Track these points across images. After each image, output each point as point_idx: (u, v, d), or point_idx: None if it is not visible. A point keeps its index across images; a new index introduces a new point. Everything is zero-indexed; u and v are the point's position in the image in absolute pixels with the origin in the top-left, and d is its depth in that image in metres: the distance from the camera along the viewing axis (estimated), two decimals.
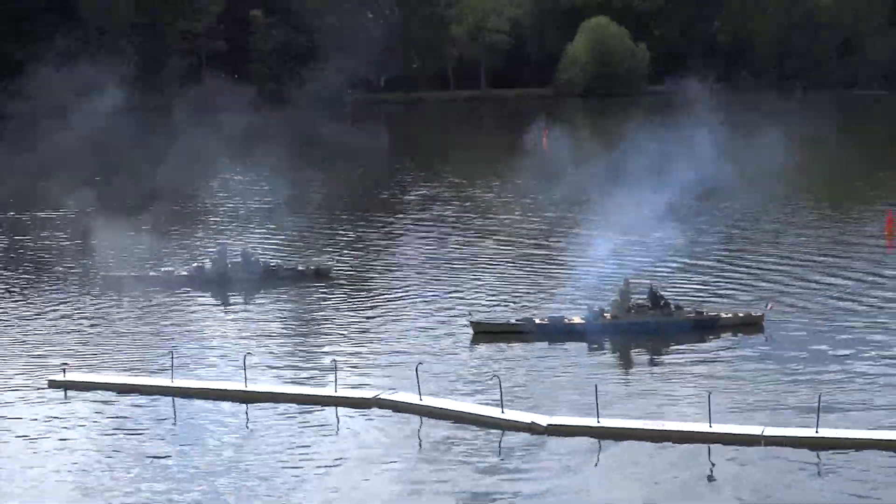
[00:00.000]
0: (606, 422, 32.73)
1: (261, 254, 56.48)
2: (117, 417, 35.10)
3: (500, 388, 34.32)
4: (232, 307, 49.67)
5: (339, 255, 59.15)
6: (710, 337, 42.32)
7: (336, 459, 31.36)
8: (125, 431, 33.84)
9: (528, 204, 75.65)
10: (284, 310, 48.75)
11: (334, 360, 37.90)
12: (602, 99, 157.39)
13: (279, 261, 56.06)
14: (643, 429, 32.43)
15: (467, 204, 77.56)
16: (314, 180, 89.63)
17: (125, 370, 39.80)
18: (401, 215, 73.91)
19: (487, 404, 34.64)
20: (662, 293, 44.51)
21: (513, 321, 43.91)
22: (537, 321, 43.43)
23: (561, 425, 32.92)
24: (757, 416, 33.60)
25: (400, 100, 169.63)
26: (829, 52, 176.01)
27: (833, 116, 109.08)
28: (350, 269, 56.12)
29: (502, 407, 33.80)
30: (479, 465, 30.74)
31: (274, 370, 39.55)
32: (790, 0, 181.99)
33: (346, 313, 47.56)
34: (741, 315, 43.72)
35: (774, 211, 70.20)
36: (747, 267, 54.33)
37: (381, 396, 35.60)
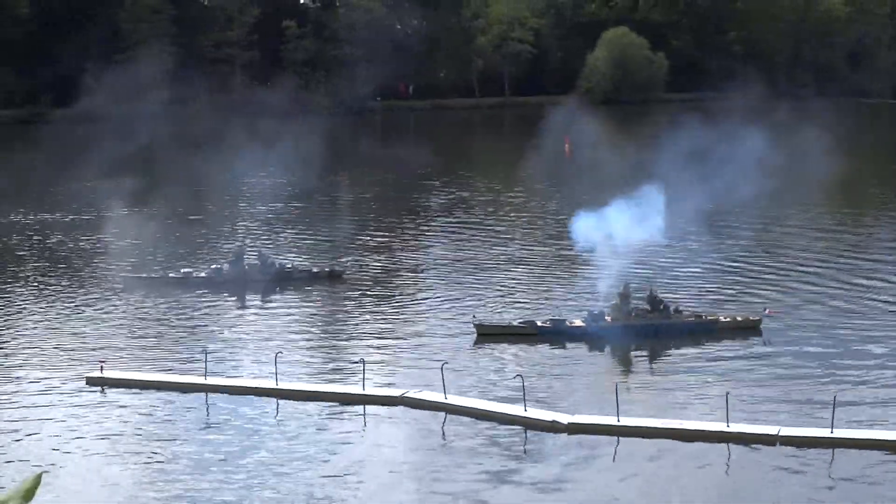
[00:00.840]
0: (627, 420, 33.62)
1: (277, 256, 57.68)
2: (153, 413, 36.19)
3: (524, 387, 35.27)
4: (258, 307, 50.71)
5: (353, 258, 60.13)
6: (717, 339, 42.92)
7: (364, 455, 32.37)
8: (160, 427, 34.95)
9: (541, 208, 76.28)
10: (309, 310, 49.83)
11: (362, 359, 38.91)
12: (622, 106, 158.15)
13: (294, 262, 57.19)
14: (662, 428, 33.27)
15: (480, 208, 78.08)
16: (336, 184, 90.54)
17: (160, 368, 40.88)
18: (417, 219, 74.83)
19: (510, 402, 35.66)
20: (662, 297, 45.18)
21: (515, 323, 44.77)
22: (539, 323, 44.20)
23: (582, 424, 33.82)
24: (773, 415, 34.43)
25: (427, 107, 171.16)
26: (840, 61, 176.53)
27: (844, 124, 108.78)
28: (363, 271, 57.10)
29: (525, 405, 34.73)
30: (502, 461, 31.67)
31: (303, 368, 40.61)
32: (803, 9, 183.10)
33: (366, 314, 48.62)
34: (739, 319, 44.28)
35: (779, 217, 70.46)
36: (746, 272, 54.77)
37: (408, 395, 36.59)
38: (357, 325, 47.07)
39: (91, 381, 39.04)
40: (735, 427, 32.88)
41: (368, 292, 52.50)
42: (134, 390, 38.24)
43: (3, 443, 33.69)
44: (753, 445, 32.19)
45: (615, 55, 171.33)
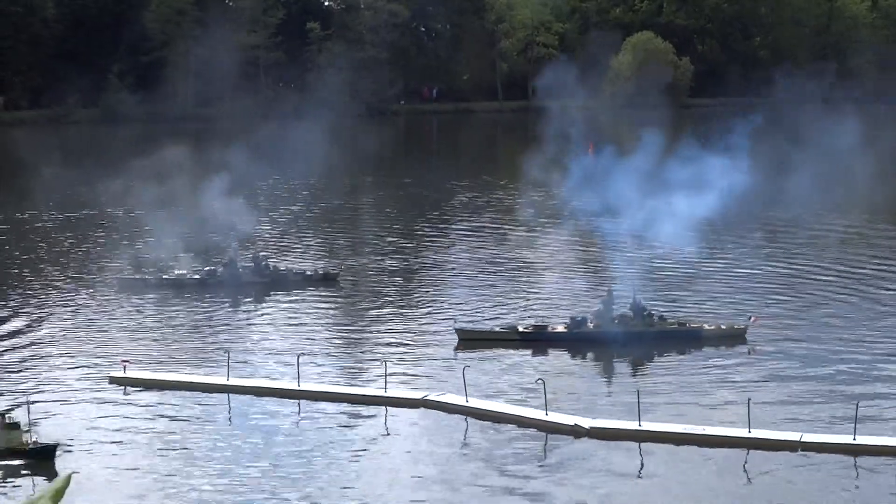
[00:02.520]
0: (648, 425, 33.58)
1: (271, 258, 57.90)
2: (175, 414, 36.33)
3: (545, 391, 35.27)
4: (269, 310, 50.84)
5: (346, 260, 60.33)
6: (722, 345, 42.67)
7: (386, 457, 32.46)
8: (182, 427, 35.08)
9: (548, 212, 76.22)
10: (318, 312, 49.93)
11: (384, 362, 39.01)
12: (645, 111, 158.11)
13: (288, 265, 57.38)
14: (684, 433, 33.24)
15: (485, 212, 78.30)
16: (346, 187, 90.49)
17: (182, 368, 41.08)
18: (414, 222, 75.04)
19: (531, 406, 35.69)
20: (646, 303, 44.86)
21: (497, 329, 44.72)
22: (521, 329, 44.17)
23: (603, 428, 33.80)
24: (795, 422, 34.35)
25: (450, 110, 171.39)
26: (866, 66, 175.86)
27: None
28: (356, 273, 57.33)
29: (546, 409, 34.74)
30: (524, 465, 31.68)
31: (323, 370, 40.73)
32: (828, 15, 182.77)
33: (373, 316, 48.94)
34: (724, 327, 43.99)
35: (773, 225, 69.71)
36: (733, 280, 54.32)
37: (429, 397, 36.66)
38: (370, 326, 47.33)
39: (114, 381, 39.26)
40: (757, 433, 32.82)
41: (366, 295, 52.81)
42: (157, 390, 38.42)
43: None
44: (775, 451, 32.12)
45: (640, 59, 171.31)
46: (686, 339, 43.07)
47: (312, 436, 34.14)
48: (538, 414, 34.70)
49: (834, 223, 70.49)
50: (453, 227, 72.83)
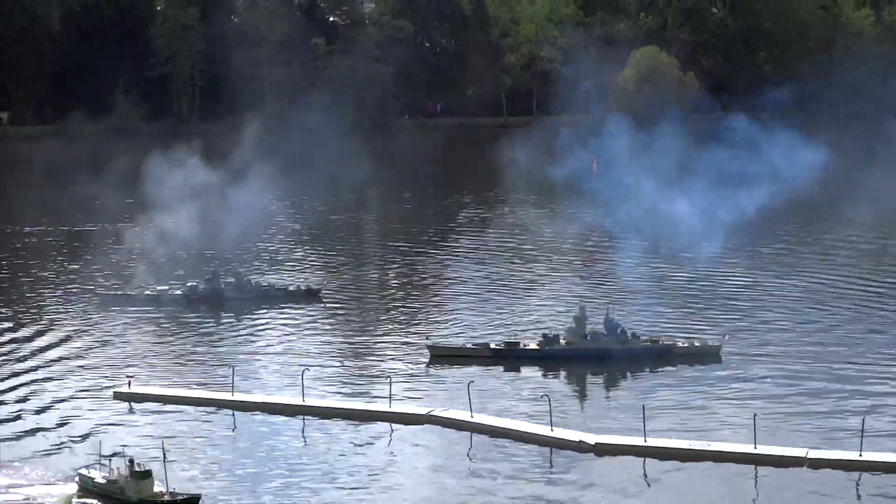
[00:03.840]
0: (653, 441, 33.48)
1: (253, 274, 57.86)
2: (179, 429, 36.26)
3: (550, 406, 35.19)
4: (263, 324, 50.73)
5: (328, 276, 60.31)
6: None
7: (390, 473, 32.34)
8: (186, 442, 34.98)
9: (535, 227, 76.15)
10: (313, 327, 49.84)
11: (389, 377, 38.95)
12: (651, 125, 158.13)
13: (270, 280, 57.36)
14: (689, 449, 33.10)
15: (474, 228, 78.28)
16: (342, 203, 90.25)
17: (186, 383, 41.02)
18: (405, 238, 75.08)
19: (536, 422, 35.58)
20: (619, 321, 44.58)
21: (469, 345, 44.60)
22: (493, 346, 44.05)
23: (608, 444, 33.70)
24: (800, 438, 34.24)
25: (454, 125, 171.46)
26: (871, 80, 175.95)
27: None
28: (339, 288, 57.25)
29: (551, 425, 34.65)
30: (529, 481, 31.56)
31: (327, 385, 40.63)
32: (833, 29, 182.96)
33: (360, 331, 49.14)
34: (698, 345, 43.75)
35: (754, 245, 67.99)
36: (707, 298, 54.00)
37: (434, 413, 36.56)
38: (364, 341, 47.38)
39: (119, 396, 39.21)
40: (763, 449, 32.70)
41: (350, 310, 52.86)
42: (161, 405, 38.37)
43: (32, 457, 33.82)
44: (782, 467, 32.01)
45: (644, 74, 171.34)
46: (659, 356, 42.78)
47: (317, 451, 34.05)
48: (543, 429, 34.62)
49: (813, 237, 70.05)
50: (439, 243, 72.92)
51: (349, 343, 47.05)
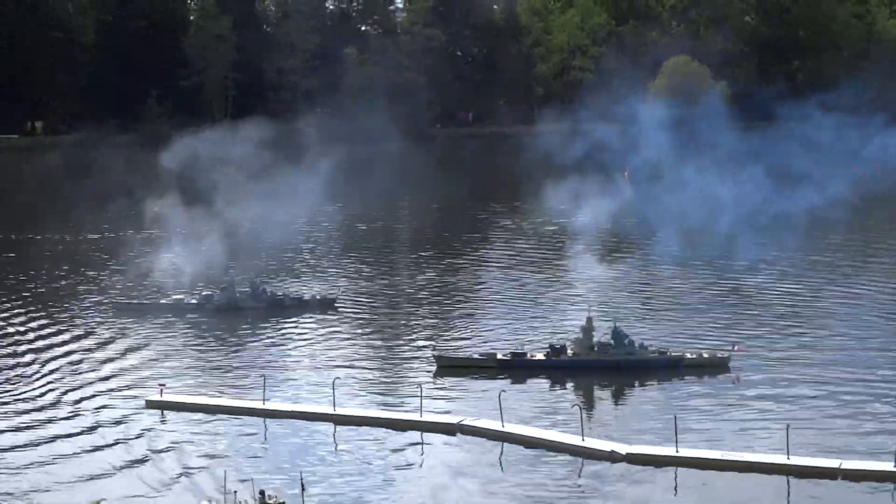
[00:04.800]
0: (685, 451, 33.33)
1: (269, 283, 57.95)
2: (211, 437, 36.38)
3: (581, 416, 35.13)
4: (300, 334, 50.77)
5: (343, 285, 60.47)
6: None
7: (422, 482, 32.35)
8: (217, 451, 35.09)
9: (552, 237, 76.28)
10: (337, 336, 49.80)
11: (420, 385, 38.98)
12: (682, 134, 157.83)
13: (286, 290, 57.49)
14: (721, 459, 32.93)
15: (498, 237, 78.19)
16: (370, 212, 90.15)
17: (218, 392, 41.15)
18: (424, 248, 75.04)
19: (567, 431, 35.54)
20: (626, 331, 44.24)
21: (475, 356, 44.44)
22: (500, 356, 43.86)
23: (640, 454, 33.57)
24: (832, 449, 34.02)
25: (486, 134, 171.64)
26: None
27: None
28: (354, 298, 57.27)
29: (583, 435, 34.57)
30: (561, 490, 31.50)
31: (357, 394, 40.66)
32: (867, 39, 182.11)
33: (378, 340, 49.15)
34: (706, 356, 43.40)
35: (762, 252, 67.00)
36: (715, 308, 53.48)
37: (465, 422, 36.53)
38: (386, 350, 47.44)
39: (151, 404, 39.36)
40: (795, 459, 32.51)
41: (366, 320, 52.85)
42: (193, 413, 38.49)
43: (63, 464, 34.02)
44: (815, 478, 31.80)
45: (676, 83, 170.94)
46: (667, 367, 42.48)
47: (348, 459, 34.09)
48: (574, 439, 34.55)
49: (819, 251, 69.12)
50: (459, 253, 72.89)
51: (367, 352, 47.07)
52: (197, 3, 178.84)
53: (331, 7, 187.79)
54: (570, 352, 43.41)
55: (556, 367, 42.73)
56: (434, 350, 45.21)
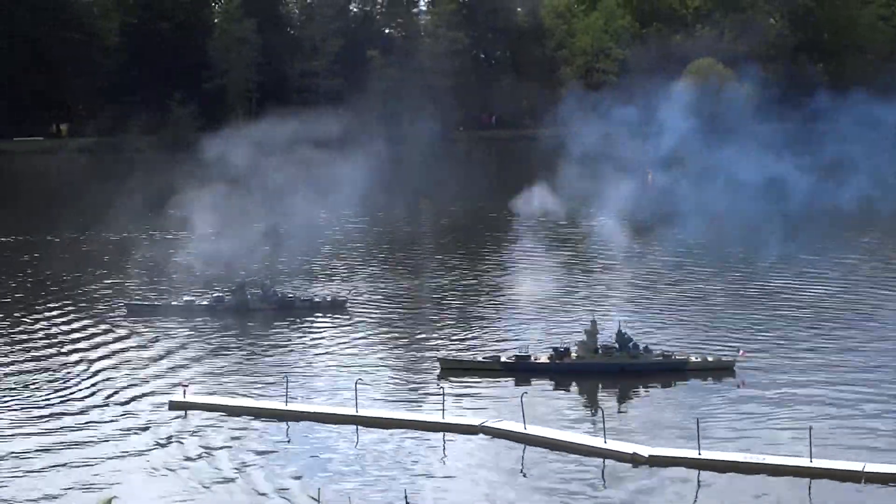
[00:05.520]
0: (707, 454, 33.27)
1: (281, 285, 57.97)
2: (234, 438, 36.48)
3: (603, 418, 35.10)
4: (314, 336, 50.75)
5: (355, 287, 60.33)
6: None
7: (443, 484, 32.37)
8: (240, 452, 35.18)
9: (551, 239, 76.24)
10: (353, 338, 49.70)
11: (442, 387, 39.00)
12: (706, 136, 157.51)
13: (296, 292, 57.47)
14: (744, 462, 32.87)
15: (510, 239, 77.67)
16: (386, 215, 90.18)
17: (241, 393, 41.27)
18: (436, 250, 74.93)
19: (589, 433, 35.52)
20: (630, 334, 44.07)
21: (480, 359, 44.31)
22: (503, 359, 43.73)
23: (663, 456, 33.53)
24: (858, 451, 33.90)
25: (509, 137, 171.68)
26: None
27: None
28: (364, 300, 57.18)
29: (605, 437, 34.54)
30: (583, 492, 31.50)
31: (377, 395, 40.65)
32: (893, 41, 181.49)
33: (392, 341, 49.11)
34: (711, 360, 43.13)
35: (767, 256, 66.35)
36: (720, 311, 53.13)
37: (487, 424, 36.54)
38: (401, 352, 47.43)
39: (174, 405, 39.50)
40: (818, 462, 32.40)
41: (377, 321, 52.79)
42: (216, 414, 38.59)
43: (87, 464, 34.18)
44: (838, 481, 31.70)
45: (700, 85, 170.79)
46: (672, 371, 42.28)
47: (370, 461, 34.13)
48: (597, 441, 34.53)
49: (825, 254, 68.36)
50: (471, 255, 72.78)
51: (383, 354, 47.03)
52: (221, 6, 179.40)
53: (354, 10, 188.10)
54: (573, 355, 43.22)
55: (560, 371, 42.58)
56: (438, 352, 45.21)
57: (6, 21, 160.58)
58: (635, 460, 33.39)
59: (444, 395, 38.06)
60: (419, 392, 41.29)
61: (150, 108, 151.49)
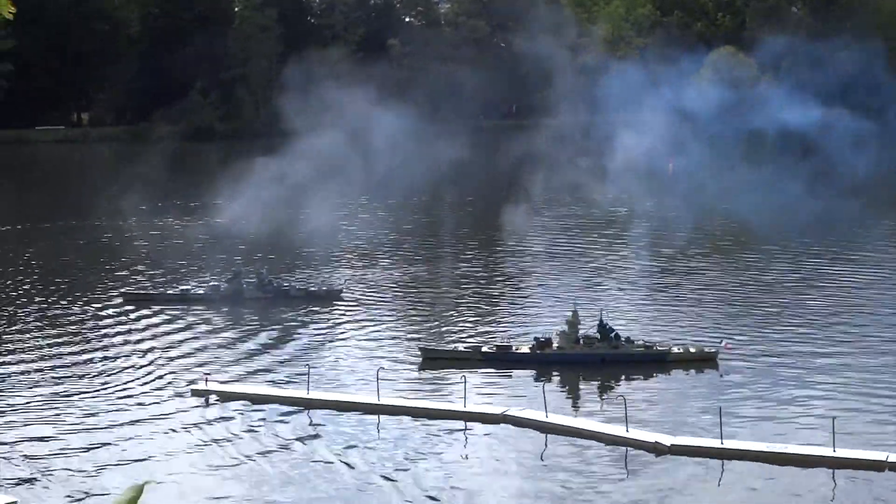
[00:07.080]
0: (730, 443, 33.20)
1: (274, 275, 57.76)
2: (255, 425, 36.55)
3: (626, 407, 35.04)
4: (304, 324, 50.73)
5: (349, 276, 60.25)
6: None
7: (467, 473, 32.39)
8: (262, 439, 35.26)
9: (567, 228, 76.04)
10: (345, 328, 49.73)
11: (464, 377, 38.99)
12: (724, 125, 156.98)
13: (291, 281, 57.50)
14: (766, 451, 32.76)
15: (503, 230, 78.15)
16: (390, 205, 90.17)
17: (263, 381, 41.38)
18: (433, 239, 74.97)
19: (611, 422, 35.47)
20: (612, 325, 43.91)
21: (461, 349, 44.26)
22: (484, 349, 43.62)
23: (685, 445, 33.47)
24: (882, 441, 33.78)
25: (530, 126, 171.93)
26: None
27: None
28: (360, 288, 57.12)
29: (627, 426, 34.50)
30: (605, 481, 31.48)
31: (400, 384, 40.70)
32: None
33: (398, 330, 49.11)
34: (693, 351, 42.83)
35: (757, 250, 66.62)
36: (705, 304, 52.63)
37: (509, 412, 36.54)
38: (399, 340, 47.37)
39: (196, 393, 39.62)
40: (842, 452, 32.30)
41: (374, 310, 52.67)
42: (237, 402, 38.70)
43: (109, 451, 34.32)
44: (861, 471, 31.59)
45: (721, 75, 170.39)
46: (653, 362, 42.10)
47: (393, 449, 34.16)
48: (619, 430, 34.48)
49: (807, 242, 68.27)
50: (466, 244, 72.72)
51: (387, 343, 46.93)
52: None
53: None
54: (555, 345, 43.03)
55: (541, 361, 42.43)
56: (420, 343, 45.24)
57: (33, 10, 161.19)
58: (657, 449, 33.34)
59: (465, 383, 38.02)
60: (436, 381, 41.24)
61: (172, 98, 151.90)
